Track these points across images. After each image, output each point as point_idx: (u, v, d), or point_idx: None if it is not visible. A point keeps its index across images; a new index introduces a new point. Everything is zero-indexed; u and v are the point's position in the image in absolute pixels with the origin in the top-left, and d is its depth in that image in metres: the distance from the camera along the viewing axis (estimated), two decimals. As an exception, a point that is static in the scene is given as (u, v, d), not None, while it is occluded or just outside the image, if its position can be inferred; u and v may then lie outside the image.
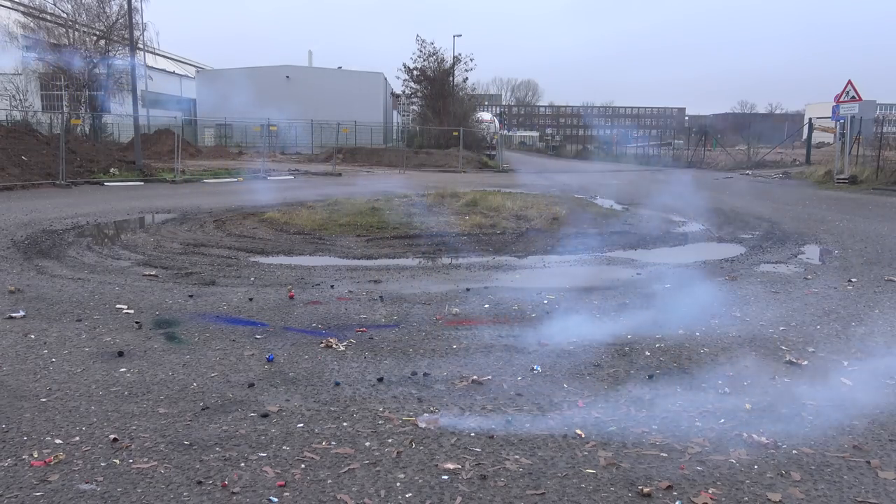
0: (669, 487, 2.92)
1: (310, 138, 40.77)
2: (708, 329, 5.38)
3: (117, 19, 30.54)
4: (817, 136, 36.50)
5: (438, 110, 42.38)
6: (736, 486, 2.93)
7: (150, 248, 9.09)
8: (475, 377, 4.24)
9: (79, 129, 26.78)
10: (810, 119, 34.32)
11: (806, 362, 4.59)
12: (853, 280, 7.35)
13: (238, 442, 3.31)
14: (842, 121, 23.47)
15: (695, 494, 2.86)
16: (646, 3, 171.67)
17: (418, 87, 45.20)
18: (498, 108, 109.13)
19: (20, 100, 29.77)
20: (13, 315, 5.51)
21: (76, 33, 29.79)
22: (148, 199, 15.58)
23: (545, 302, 6.27)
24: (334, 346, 4.83)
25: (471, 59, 44.38)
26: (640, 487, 2.91)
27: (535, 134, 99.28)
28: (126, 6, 26.75)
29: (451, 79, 43.11)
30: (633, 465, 3.11)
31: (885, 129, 26.87)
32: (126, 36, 27.58)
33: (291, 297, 6.33)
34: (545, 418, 3.64)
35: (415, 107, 51.17)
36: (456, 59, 43.14)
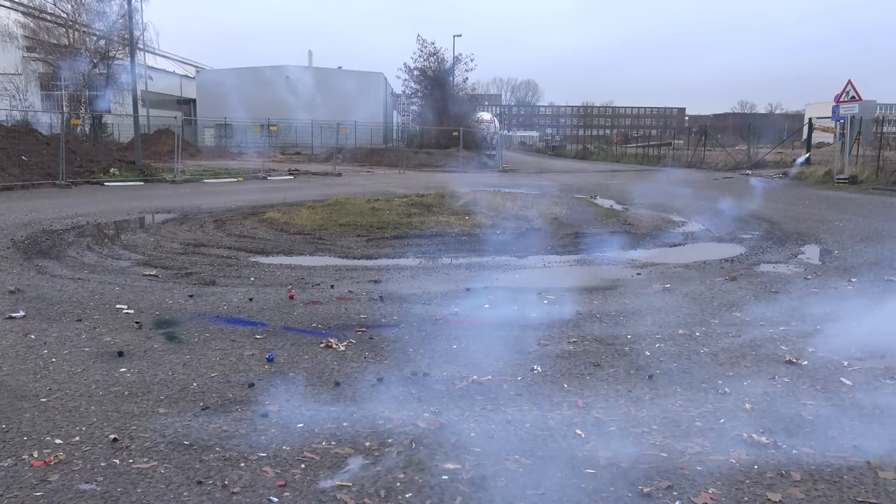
0: (669, 487, 2.92)
1: (310, 138, 40.78)
2: (708, 329, 5.39)
3: (117, 19, 30.54)
4: (817, 136, 36.48)
5: (438, 110, 42.35)
6: (736, 486, 2.93)
7: (150, 248, 9.09)
8: (475, 377, 4.24)
9: (79, 129, 26.79)
10: (810, 119, 34.29)
11: (806, 362, 4.59)
12: (853, 280, 7.35)
13: (238, 442, 3.31)
14: (842, 121, 23.47)
15: (695, 494, 2.86)
16: (645, 3, 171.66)
17: (418, 87, 45.21)
18: (498, 108, 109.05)
19: (20, 100, 29.78)
20: (13, 315, 5.51)
21: (76, 33, 29.79)
22: (148, 199, 15.58)
23: (545, 302, 6.27)
24: (334, 346, 4.83)
25: (471, 60, 44.40)
26: (640, 487, 2.91)
27: (535, 134, 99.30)
28: (126, 6, 26.75)
29: (451, 79, 43.11)
30: (633, 465, 3.11)
31: (885, 129, 26.85)
32: (126, 36, 27.57)
33: (291, 297, 6.32)
34: (545, 418, 3.64)
35: (415, 107, 51.16)
36: (456, 59, 43.19)
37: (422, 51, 43.53)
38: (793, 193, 19.07)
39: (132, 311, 5.74)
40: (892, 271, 7.85)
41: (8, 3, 31.60)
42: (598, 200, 16.75)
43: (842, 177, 21.65)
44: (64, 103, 30.62)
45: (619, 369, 4.43)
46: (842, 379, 4.28)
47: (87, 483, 2.90)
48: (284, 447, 3.26)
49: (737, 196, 18.13)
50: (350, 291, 6.66)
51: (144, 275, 7.35)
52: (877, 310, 6.06)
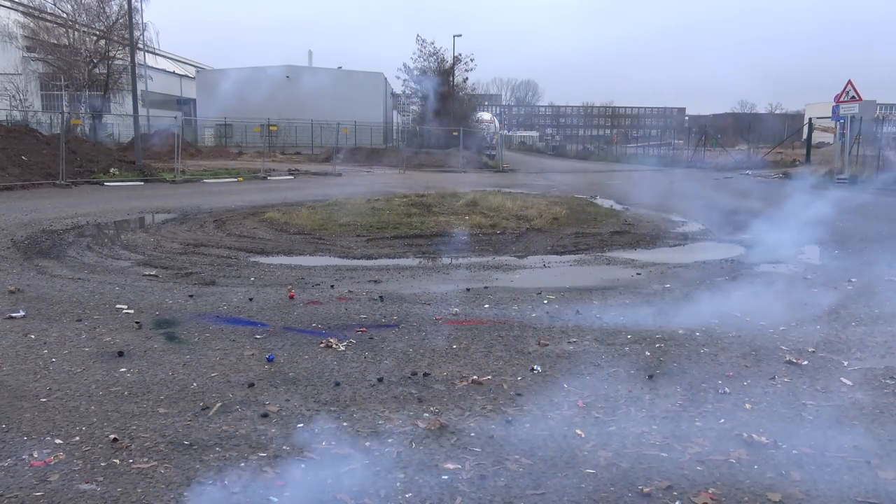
0: (669, 487, 2.91)
1: (310, 138, 40.77)
2: (708, 329, 5.38)
3: (117, 19, 30.54)
4: (817, 136, 36.51)
5: (438, 110, 42.33)
6: (736, 486, 2.93)
7: (150, 248, 9.09)
8: (475, 377, 4.24)
9: (79, 129, 26.78)
10: (810, 119, 34.31)
11: (806, 362, 4.59)
12: (853, 280, 7.34)
13: (238, 442, 3.31)
14: (842, 121, 23.49)
15: (695, 494, 2.86)
16: (646, 4, 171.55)
17: (418, 87, 45.17)
18: (498, 108, 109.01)
19: (20, 100, 29.78)
20: (13, 315, 5.51)
21: (76, 33, 29.80)
22: (148, 199, 15.58)
23: (545, 302, 6.27)
24: (334, 346, 4.83)
25: (471, 60, 44.29)
26: (640, 487, 2.91)
27: (535, 134, 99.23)
28: (126, 6, 26.75)
29: (451, 79, 43.09)
30: (633, 465, 3.11)
31: (885, 129, 26.86)
32: (126, 36, 27.58)
33: (291, 297, 6.32)
34: (545, 418, 3.64)
35: (415, 107, 51.16)
36: (456, 59, 43.15)
37: (421, 51, 43.53)
38: (792, 193, 19.05)
39: (132, 311, 5.74)
40: (891, 271, 7.85)
41: (8, 3, 31.61)
42: (598, 200, 16.75)
43: (842, 177, 21.65)
44: (64, 103, 30.64)
45: (619, 369, 4.43)
46: (842, 379, 4.28)
47: (87, 483, 2.90)
48: (284, 447, 3.26)
49: (736, 196, 18.13)
50: (350, 291, 6.66)
51: (144, 275, 7.35)
52: (877, 309, 6.06)
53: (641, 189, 20.57)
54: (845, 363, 4.60)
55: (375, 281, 7.23)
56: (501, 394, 3.99)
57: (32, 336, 4.99)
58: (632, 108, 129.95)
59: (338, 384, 4.10)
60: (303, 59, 54.18)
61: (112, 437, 3.32)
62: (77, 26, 29.91)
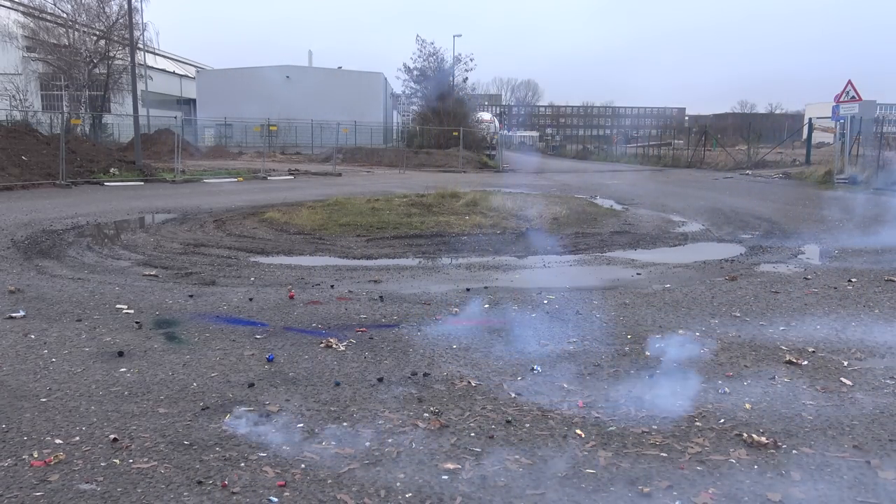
0: (669, 487, 2.92)
1: (310, 138, 40.79)
2: (708, 329, 5.38)
3: (117, 19, 30.57)
4: (817, 136, 36.54)
5: (438, 110, 42.34)
6: (736, 486, 2.93)
7: (150, 248, 9.09)
8: (475, 377, 4.23)
9: (79, 129, 26.78)
10: (810, 119, 34.33)
11: (806, 362, 4.59)
12: (853, 280, 7.35)
13: (238, 442, 3.31)
14: (842, 121, 23.49)
15: (695, 494, 2.86)
16: (646, 4, 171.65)
17: (418, 87, 45.21)
18: (498, 108, 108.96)
19: (20, 100, 29.80)
20: (13, 315, 5.51)
21: (76, 33, 29.82)
22: (148, 199, 15.58)
23: (545, 302, 6.27)
24: (334, 346, 4.83)
25: (471, 60, 44.40)
26: (640, 487, 2.91)
27: (535, 134, 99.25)
28: (126, 6, 26.76)
29: (451, 79, 43.10)
30: (633, 465, 3.11)
31: (885, 129, 26.86)
32: (126, 36, 27.59)
33: (291, 297, 6.32)
34: (545, 418, 3.64)
35: (415, 107, 51.16)
36: (456, 59, 43.19)
37: (421, 51, 43.59)
38: (792, 193, 19.07)
39: (132, 311, 5.74)
40: (891, 271, 7.85)
41: (8, 3, 31.63)
42: (598, 200, 16.75)
43: (842, 177, 21.65)
44: (64, 103, 30.65)
45: (619, 369, 4.43)
46: (842, 379, 4.28)
47: (87, 483, 2.90)
48: (284, 447, 3.26)
49: (736, 196, 18.14)
50: (350, 291, 6.66)
51: (144, 275, 7.35)
52: (876, 309, 6.06)
53: (641, 189, 20.58)
54: (845, 363, 4.60)
55: (375, 281, 7.23)
56: (501, 394, 3.99)
57: (32, 336, 4.99)
58: (632, 108, 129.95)
59: (338, 384, 4.10)
60: (303, 59, 54.21)
61: (112, 437, 3.32)
62: (77, 26, 29.94)
